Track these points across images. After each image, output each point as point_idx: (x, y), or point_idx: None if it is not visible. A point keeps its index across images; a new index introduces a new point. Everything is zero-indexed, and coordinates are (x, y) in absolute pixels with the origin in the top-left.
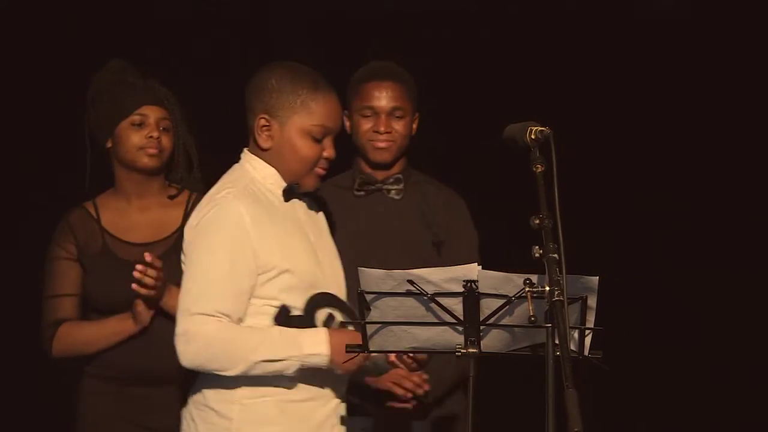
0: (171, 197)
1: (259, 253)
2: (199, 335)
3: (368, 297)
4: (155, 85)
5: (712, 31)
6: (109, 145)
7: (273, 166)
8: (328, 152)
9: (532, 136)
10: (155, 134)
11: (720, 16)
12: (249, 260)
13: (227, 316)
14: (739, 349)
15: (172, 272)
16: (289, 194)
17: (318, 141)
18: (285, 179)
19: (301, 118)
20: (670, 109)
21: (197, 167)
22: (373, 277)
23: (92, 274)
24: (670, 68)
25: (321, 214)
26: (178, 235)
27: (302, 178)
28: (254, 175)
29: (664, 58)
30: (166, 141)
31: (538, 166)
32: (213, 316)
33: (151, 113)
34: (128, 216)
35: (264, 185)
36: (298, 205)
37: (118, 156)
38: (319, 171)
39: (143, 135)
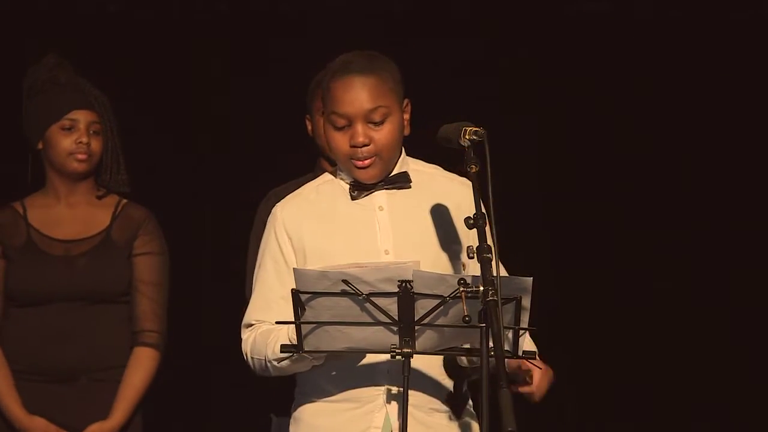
0: (99, 197)
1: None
2: None
3: (303, 297)
4: (86, 87)
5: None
6: (40, 146)
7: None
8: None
9: (467, 137)
10: (84, 139)
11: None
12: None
13: None
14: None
15: (92, 272)
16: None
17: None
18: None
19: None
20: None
21: (124, 169)
22: (308, 277)
23: (15, 267)
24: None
25: (417, 203)
26: (104, 237)
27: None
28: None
29: (596, 55)
30: (95, 145)
31: (473, 166)
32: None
33: (82, 117)
34: (55, 212)
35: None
36: (376, 199)
37: (48, 158)
38: (357, 163)
39: (73, 140)
